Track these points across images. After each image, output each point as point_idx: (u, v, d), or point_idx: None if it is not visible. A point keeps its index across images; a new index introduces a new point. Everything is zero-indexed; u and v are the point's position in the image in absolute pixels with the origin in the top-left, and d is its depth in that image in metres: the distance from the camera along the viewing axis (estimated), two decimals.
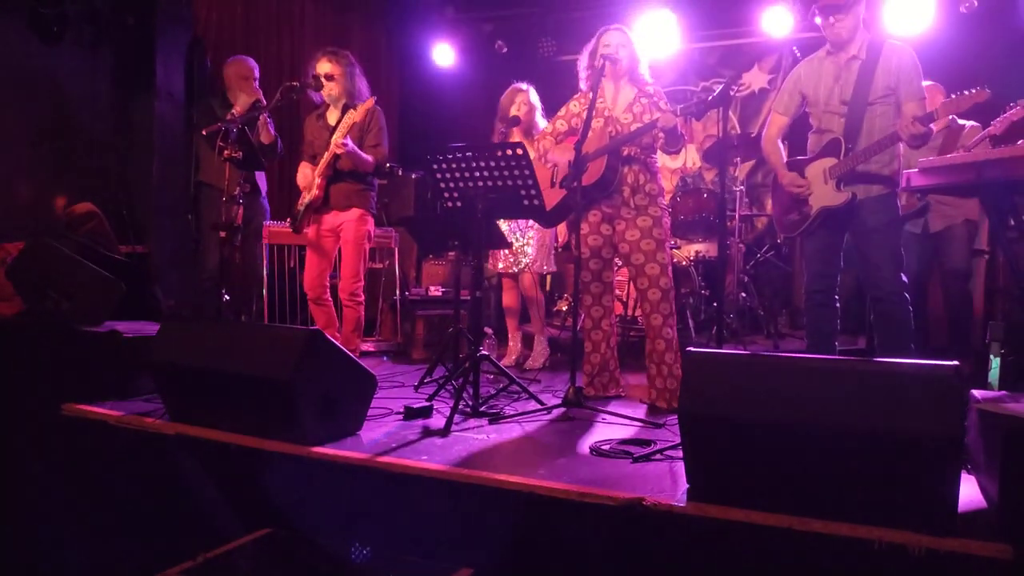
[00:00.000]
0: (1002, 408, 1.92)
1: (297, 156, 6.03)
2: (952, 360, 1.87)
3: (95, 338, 3.35)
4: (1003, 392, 2.32)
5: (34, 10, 4.71)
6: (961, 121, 4.30)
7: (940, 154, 4.21)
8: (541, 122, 4.43)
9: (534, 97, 4.46)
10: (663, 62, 6.14)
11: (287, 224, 4.31)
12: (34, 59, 4.78)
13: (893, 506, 1.82)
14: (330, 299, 4.19)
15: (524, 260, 4.45)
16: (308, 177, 4.05)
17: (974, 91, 2.94)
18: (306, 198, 4.05)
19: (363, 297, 4.13)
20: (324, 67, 4.02)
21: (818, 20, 3.26)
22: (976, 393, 2.18)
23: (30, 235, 4.05)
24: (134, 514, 2.74)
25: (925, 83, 4.42)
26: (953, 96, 2.99)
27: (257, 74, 4.78)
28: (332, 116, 4.11)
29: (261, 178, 4.89)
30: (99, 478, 2.86)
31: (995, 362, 2.94)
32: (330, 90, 4.03)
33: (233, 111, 4.36)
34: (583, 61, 3.58)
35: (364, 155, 3.99)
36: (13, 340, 3.60)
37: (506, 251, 4.43)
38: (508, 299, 4.66)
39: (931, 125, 3.06)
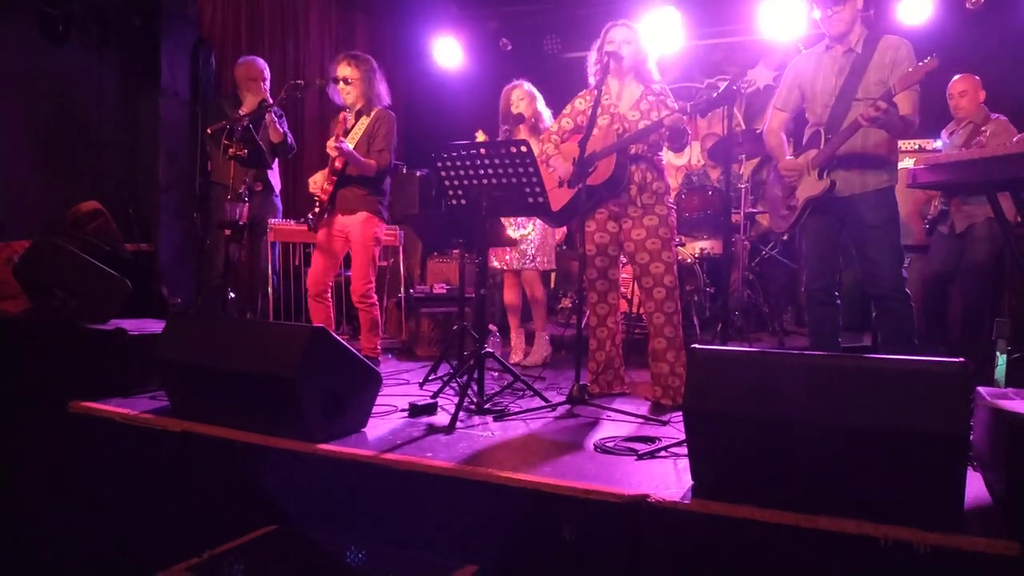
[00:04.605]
0: (1008, 405, 1.91)
1: (306, 155, 6.04)
2: (960, 357, 1.87)
3: (101, 336, 3.36)
4: (1009, 389, 2.31)
5: (40, 10, 4.73)
6: (996, 116, 4.31)
7: (963, 148, 4.20)
8: (544, 111, 4.42)
9: (530, 88, 4.44)
10: (668, 59, 6.13)
11: (297, 222, 4.30)
12: (40, 59, 4.79)
13: (899, 503, 1.82)
14: (330, 298, 4.18)
15: (526, 258, 4.45)
16: (319, 181, 4.05)
17: (926, 60, 2.88)
18: (319, 201, 4.06)
19: (375, 298, 4.13)
20: (343, 71, 4.01)
21: (816, 14, 3.24)
22: (983, 390, 2.17)
23: (36, 233, 4.07)
24: (139, 511, 2.75)
25: (957, 79, 4.42)
26: (909, 69, 2.95)
27: (267, 75, 4.79)
28: (350, 121, 4.11)
29: (275, 176, 4.91)
30: (105, 475, 2.87)
31: (1001, 359, 2.93)
32: (346, 94, 4.02)
33: (240, 111, 4.37)
34: (591, 57, 3.57)
35: (361, 159, 3.93)
36: (20, 338, 3.62)
37: (508, 248, 4.44)
38: (510, 296, 4.66)
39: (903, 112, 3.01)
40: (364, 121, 4.01)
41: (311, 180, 4.11)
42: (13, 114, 4.68)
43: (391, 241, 5.41)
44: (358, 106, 4.07)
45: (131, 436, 2.79)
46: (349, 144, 3.91)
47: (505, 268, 4.55)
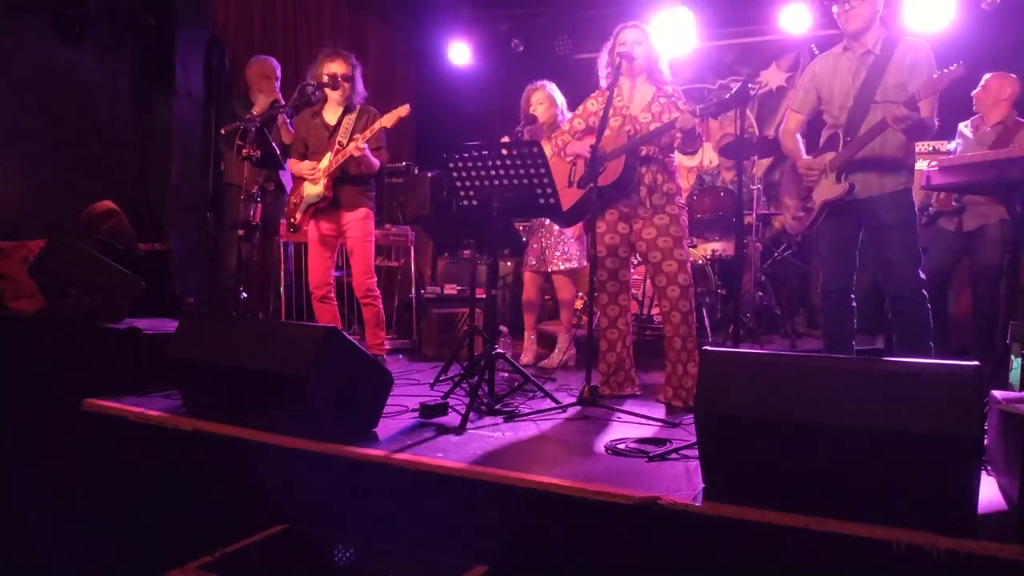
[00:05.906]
0: (1023, 409, 1.89)
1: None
2: (973, 360, 1.85)
3: (115, 335, 3.39)
4: None
5: (57, 11, 4.77)
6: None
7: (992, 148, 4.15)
8: (564, 116, 4.39)
9: (553, 92, 4.41)
10: (680, 60, 6.12)
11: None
12: (56, 59, 4.83)
13: (911, 507, 1.80)
14: (335, 298, 4.20)
15: (561, 260, 4.40)
16: (312, 176, 4.04)
17: (952, 67, 2.83)
18: (307, 198, 4.04)
19: (379, 292, 4.15)
20: (340, 68, 4.01)
21: (835, 9, 3.21)
22: (997, 394, 2.15)
23: (52, 233, 4.11)
24: (152, 509, 2.77)
25: (987, 75, 4.37)
26: (934, 75, 2.91)
27: (279, 74, 4.81)
28: (330, 115, 4.09)
29: (287, 176, 4.92)
30: (117, 473, 2.89)
31: (1016, 363, 2.90)
32: (344, 91, 4.03)
33: (252, 111, 4.38)
34: (603, 59, 3.56)
35: (372, 158, 3.99)
36: (35, 336, 3.65)
37: (536, 248, 4.42)
38: (529, 294, 4.62)
39: (922, 112, 2.99)
40: (350, 117, 4.00)
41: (304, 173, 4.06)
42: (28, 114, 4.72)
43: (402, 242, 5.42)
44: (345, 102, 4.06)
45: (143, 434, 2.81)
46: (345, 141, 3.93)
47: (534, 269, 4.52)
